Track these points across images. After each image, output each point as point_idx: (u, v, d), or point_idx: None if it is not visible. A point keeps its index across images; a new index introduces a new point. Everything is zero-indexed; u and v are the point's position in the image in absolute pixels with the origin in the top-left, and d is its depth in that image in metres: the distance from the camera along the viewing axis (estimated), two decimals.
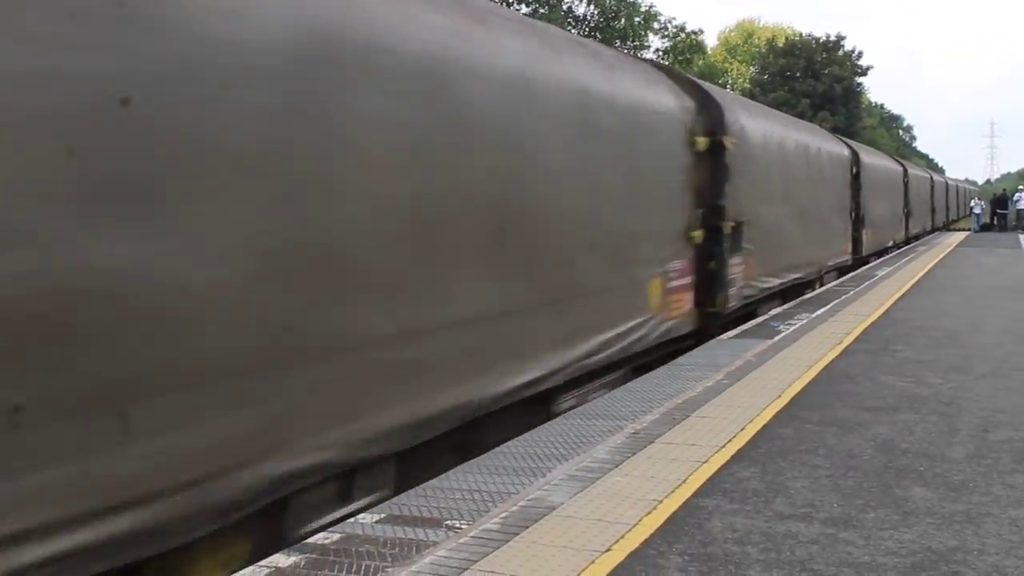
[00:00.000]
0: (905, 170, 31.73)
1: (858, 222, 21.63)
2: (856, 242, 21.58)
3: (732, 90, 56.21)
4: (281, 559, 4.09)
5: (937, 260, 22.86)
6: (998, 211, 43.78)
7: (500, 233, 6.21)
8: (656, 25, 42.92)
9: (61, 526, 3.32)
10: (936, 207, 43.56)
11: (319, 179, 4.61)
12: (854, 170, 21.26)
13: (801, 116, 43.32)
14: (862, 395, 7.33)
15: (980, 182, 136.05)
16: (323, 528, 4.59)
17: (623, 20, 41.18)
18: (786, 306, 13.82)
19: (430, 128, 5.48)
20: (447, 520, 4.56)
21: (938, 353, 9.25)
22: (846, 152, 20.85)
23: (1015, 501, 4.77)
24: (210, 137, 4.00)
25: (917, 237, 34.79)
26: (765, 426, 6.32)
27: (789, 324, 11.45)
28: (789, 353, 9.28)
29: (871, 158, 24.91)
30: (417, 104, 5.36)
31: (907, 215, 31.76)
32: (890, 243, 27.57)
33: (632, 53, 38.85)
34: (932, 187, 41.53)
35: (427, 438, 5.48)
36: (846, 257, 20.34)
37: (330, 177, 4.69)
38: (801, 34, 59.77)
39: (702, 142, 10.58)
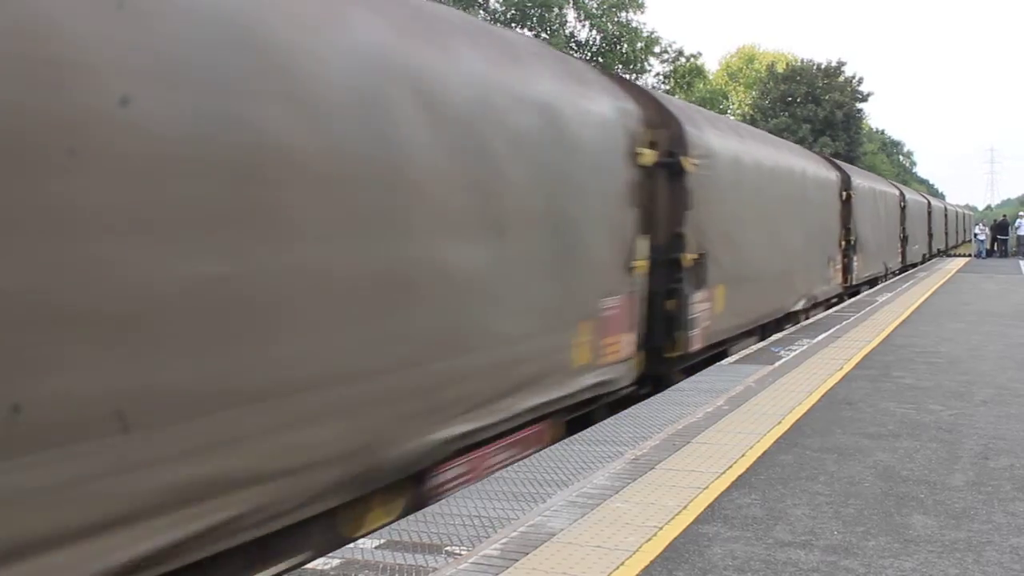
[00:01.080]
0: (846, 179, 20.09)
1: (678, 276, 9.68)
2: (673, 327, 9.70)
3: (732, 115, 56.50)
4: None
5: (937, 286, 22.87)
6: (998, 237, 43.88)
7: None
8: (657, 49, 43.21)
9: None
10: (910, 234, 32.24)
11: None
12: (639, 159, 8.72)
13: (802, 142, 43.50)
14: (863, 422, 7.32)
15: (980, 208, 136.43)
16: None
17: (625, 46, 41.43)
18: (785, 332, 13.81)
19: None
20: (447, 546, 4.56)
21: (939, 379, 9.25)
22: (610, 110, 8.19)
23: (1016, 529, 4.76)
24: None
25: (873, 282, 24.12)
26: (765, 452, 6.31)
27: (790, 350, 11.45)
28: (790, 379, 9.28)
29: (726, 141, 11.73)
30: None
31: (851, 249, 20.23)
32: (798, 305, 15.44)
33: (634, 79, 39.10)
34: (904, 208, 30.53)
35: None
36: (614, 375, 8.14)
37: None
38: (801, 60, 60.04)
39: None
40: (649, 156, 8.82)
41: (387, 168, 5.00)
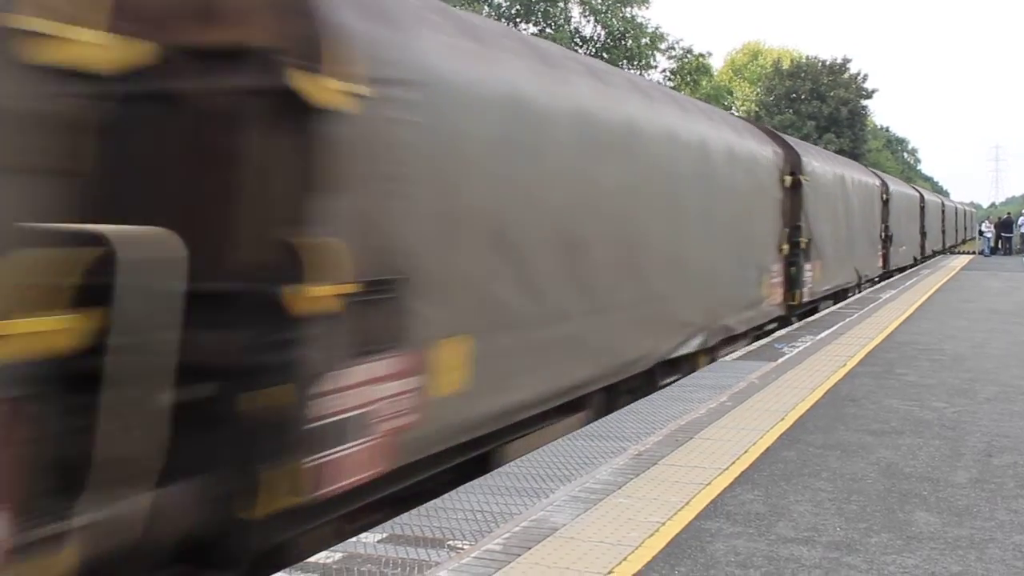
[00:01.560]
0: (793, 158, 15.07)
1: (286, 337, 4.36)
2: (271, 451, 4.32)
3: (737, 112, 56.45)
4: None
5: (941, 283, 22.84)
6: (1002, 234, 43.82)
7: None
8: (663, 46, 43.13)
9: None
10: (896, 234, 26.44)
11: None
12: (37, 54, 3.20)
13: (806, 139, 43.42)
14: (866, 418, 7.32)
15: (985, 205, 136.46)
16: None
17: (630, 41, 41.37)
18: (789, 328, 13.79)
19: None
20: (449, 540, 4.56)
21: (942, 376, 9.24)
22: None
23: (1019, 526, 4.76)
24: None
25: (841, 294, 19.35)
26: (768, 449, 6.31)
27: (793, 346, 11.44)
28: (793, 375, 9.27)
29: (457, 58, 5.84)
30: None
31: (801, 256, 15.10)
32: (688, 346, 9.98)
33: (640, 73, 39.06)
34: (887, 202, 25.14)
35: None
36: None
37: None
38: (806, 57, 59.91)
39: None
40: (88, 47, 3.43)
41: None
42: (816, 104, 54.07)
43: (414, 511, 5.04)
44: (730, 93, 63.72)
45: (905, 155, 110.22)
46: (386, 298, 4.93)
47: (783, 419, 7.21)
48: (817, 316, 15.55)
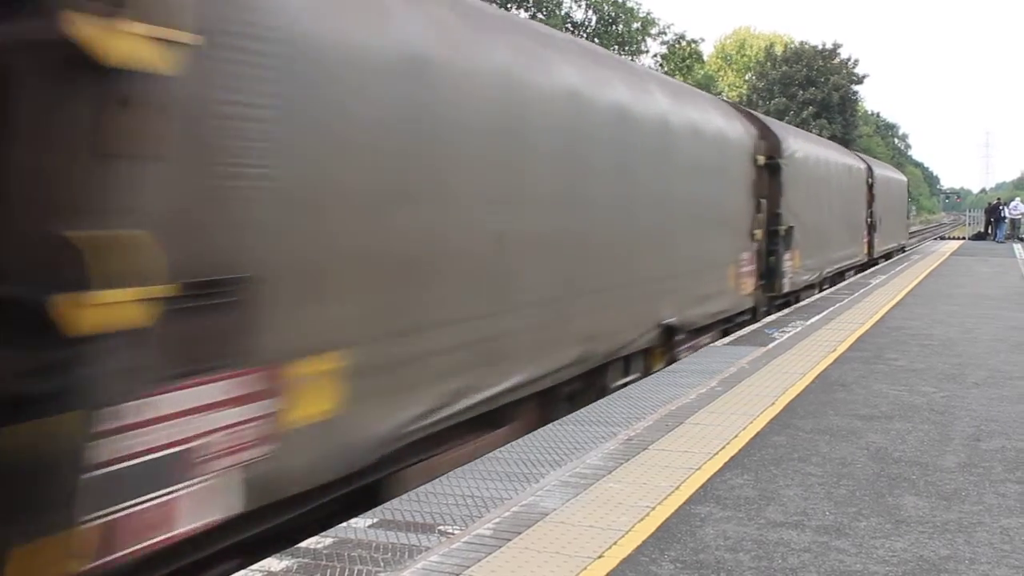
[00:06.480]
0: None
1: None
2: None
3: (726, 98, 56.37)
4: (273, 563, 4.08)
5: (931, 268, 22.90)
6: (992, 220, 43.74)
7: None
8: (654, 31, 43.01)
9: None
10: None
11: None
12: None
13: (803, 125, 43.42)
14: (855, 403, 7.34)
15: (975, 191, 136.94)
16: None
17: (621, 26, 41.25)
18: (780, 314, 13.83)
19: None
20: (440, 525, 4.56)
21: (932, 362, 9.27)
22: None
23: (1007, 510, 4.78)
24: None
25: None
26: (758, 433, 6.32)
27: (783, 331, 11.46)
28: (783, 360, 9.29)
29: None
30: None
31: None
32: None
33: (631, 58, 38.95)
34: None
35: None
36: None
37: None
38: (799, 43, 59.82)
39: None
40: None
41: None
42: (811, 90, 54.08)
43: (404, 496, 5.04)
44: (713, 81, 63.53)
45: (896, 141, 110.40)
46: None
47: (773, 404, 7.23)
48: (807, 301, 15.61)
